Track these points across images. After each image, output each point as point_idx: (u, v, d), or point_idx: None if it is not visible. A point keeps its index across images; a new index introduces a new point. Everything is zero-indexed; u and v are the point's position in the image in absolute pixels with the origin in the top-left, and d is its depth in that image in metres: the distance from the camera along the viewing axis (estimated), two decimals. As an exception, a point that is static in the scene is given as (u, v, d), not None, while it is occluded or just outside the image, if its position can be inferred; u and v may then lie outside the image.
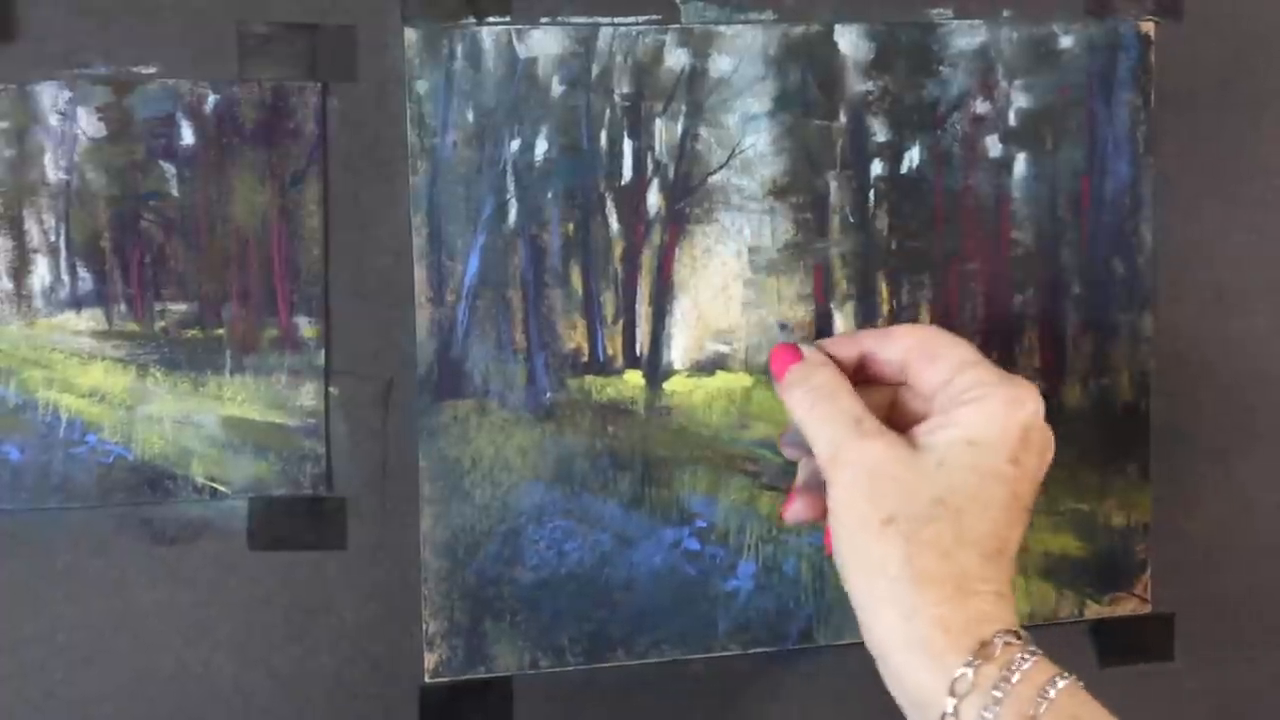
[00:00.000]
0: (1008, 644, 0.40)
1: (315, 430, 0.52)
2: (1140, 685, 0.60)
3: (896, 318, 0.55)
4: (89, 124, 0.49)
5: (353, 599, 0.52)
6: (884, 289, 0.55)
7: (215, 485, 0.51)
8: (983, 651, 0.40)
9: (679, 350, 0.54)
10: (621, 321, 0.54)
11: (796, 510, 0.48)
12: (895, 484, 0.42)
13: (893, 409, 0.47)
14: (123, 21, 0.49)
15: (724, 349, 0.54)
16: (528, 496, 0.53)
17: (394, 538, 0.52)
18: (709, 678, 0.55)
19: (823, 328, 0.55)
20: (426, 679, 0.53)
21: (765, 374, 0.54)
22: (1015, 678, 0.39)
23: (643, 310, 0.54)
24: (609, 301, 0.53)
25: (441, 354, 0.52)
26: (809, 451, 0.46)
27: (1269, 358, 0.60)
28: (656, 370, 0.54)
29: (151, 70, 0.50)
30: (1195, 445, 0.60)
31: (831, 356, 0.47)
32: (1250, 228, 0.60)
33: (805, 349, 0.47)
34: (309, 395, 0.51)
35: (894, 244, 0.55)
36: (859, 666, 0.56)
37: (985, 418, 0.43)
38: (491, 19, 0.52)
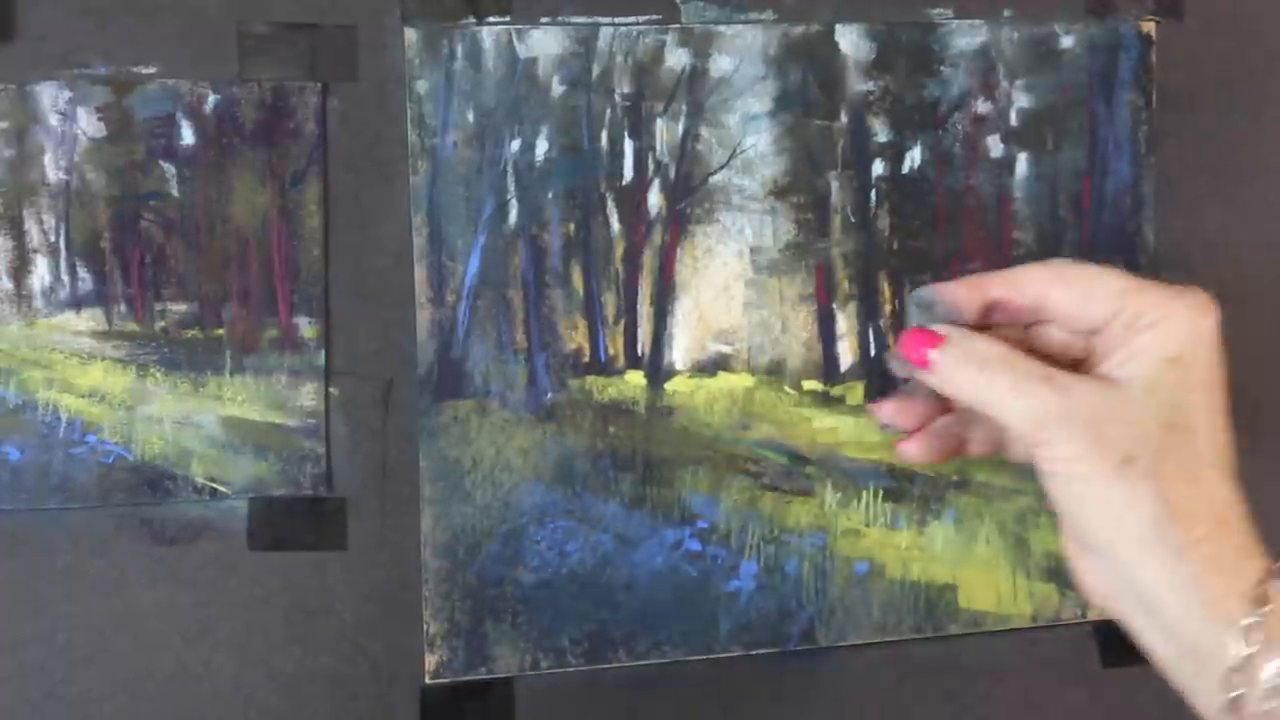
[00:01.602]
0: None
1: (315, 430, 0.51)
2: (1142, 686, 0.60)
3: (899, 318, 0.55)
4: (89, 124, 0.49)
5: (353, 599, 0.52)
6: (886, 289, 0.55)
7: (215, 485, 0.51)
8: (1262, 595, 0.38)
9: (680, 350, 0.54)
10: (623, 322, 0.53)
11: (889, 411, 0.46)
12: (1118, 424, 0.40)
13: (1030, 350, 0.44)
14: (122, 21, 0.49)
15: (725, 349, 0.54)
16: (529, 497, 0.53)
17: (394, 538, 0.52)
18: (710, 679, 0.55)
19: (825, 330, 0.55)
20: (427, 680, 0.53)
21: (767, 374, 0.54)
22: None
23: (644, 310, 0.54)
24: (610, 302, 0.53)
25: (442, 354, 0.52)
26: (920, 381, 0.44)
27: (1271, 357, 0.60)
28: (658, 370, 0.54)
29: (151, 70, 0.50)
30: (1197, 445, 0.59)
31: (957, 316, 0.44)
32: (1252, 227, 0.59)
33: (940, 329, 0.44)
34: (309, 395, 0.51)
35: (895, 244, 0.55)
36: (860, 668, 0.56)
37: (1178, 334, 0.41)
38: (492, 19, 0.52)
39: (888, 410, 0.47)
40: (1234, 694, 0.38)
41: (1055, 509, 0.42)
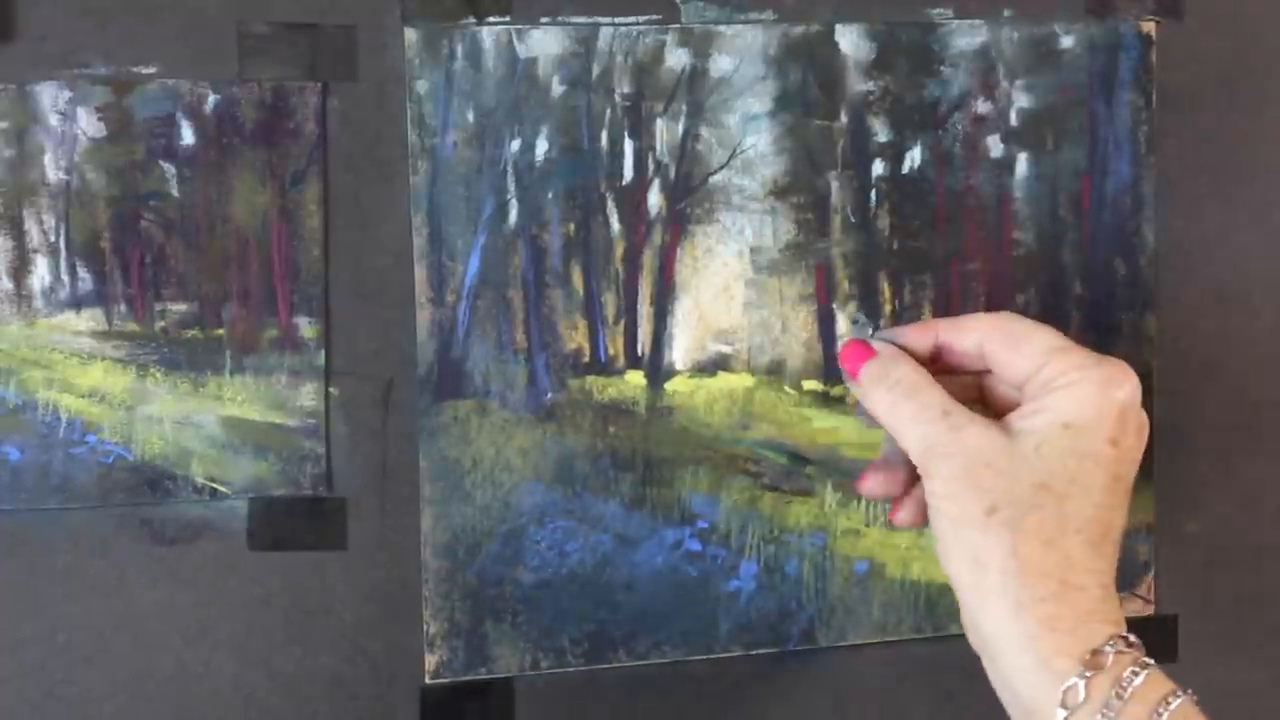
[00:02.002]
0: (1120, 653, 0.39)
1: (315, 430, 0.51)
2: (1143, 686, 0.60)
3: (898, 318, 0.55)
4: (89, 124, 0.49)
5: (353, 599, 0.52)
6: (886, 289, 0.55)
7: (215, 485, 0.51)
8: (1094, 661, 0.39)
9: (680, 350, 0.54)
10: (623, 322, 0.53)
11: (871, 485, 0.47)
12: (994, 472, 0.42)
13: (979, 398, 0.46)
14: (122, 21, 0.49)
15: (725, 349, 0.54)
16: (529, 497, 0.53)
17: (394, 538, 0.52)
18: (710, 679, 0.55)
19: (825, 330, 0.55)
20: (427, 680, 0.53)
21: (767, 374, 0.54)
22: (1128, 693, 0.39)
23: (644, 310, 0.54)
24: (610, 302, 0.53)
25: (442, 354, 0.52)
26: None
27: (1271, 358, 0.60)
28: (658, 371, 0.54)
29: (151, 70, 0.50)
30: (1198, 446, 0.59)
31: (904, 349, 0.46)
32: (1252, 227, 0.59)
33: (877, 344, 0.46)
34: (309, 395, 0.51)
35: (895, 244, 0.55)
36: (860, 668, 0.56)
37: (1081, 401, 0.42)
38: (492, 19, 0.52)
39: (869, 484, 0.48)
40: None
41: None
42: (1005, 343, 0.45)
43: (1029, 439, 0.42)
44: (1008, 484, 0.41)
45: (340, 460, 0.52)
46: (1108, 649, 0.39)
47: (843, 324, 0.55)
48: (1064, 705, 0.39)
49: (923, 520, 0.46)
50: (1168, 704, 0.39)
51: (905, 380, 0.44)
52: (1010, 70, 0.56)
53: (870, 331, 0.47)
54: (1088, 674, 0.39)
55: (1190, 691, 0.39)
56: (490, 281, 0.52)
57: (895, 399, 0.44)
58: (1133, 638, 0.40)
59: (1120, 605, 0.42)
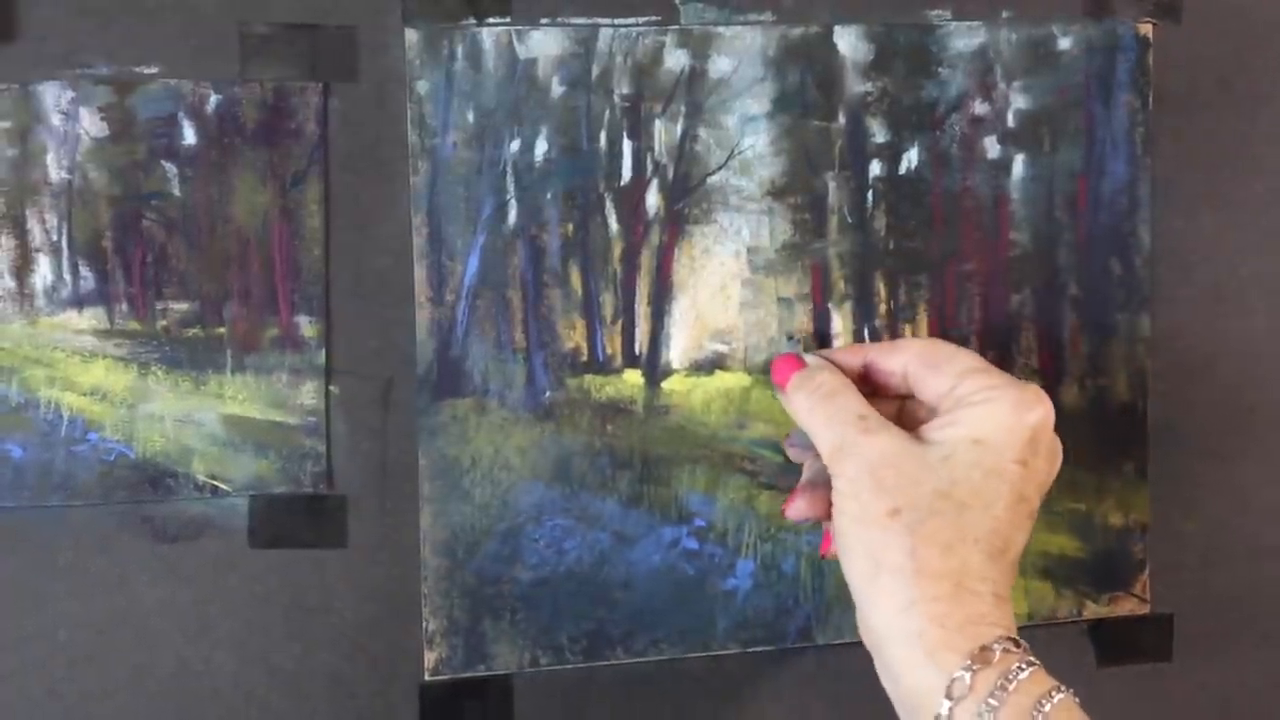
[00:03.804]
0: (1007, 651, 0.40)
1: (316, 429, 0.52)
2: (1138, 686, 0.60)
3: (894, 318, 0.56)
4: (91, 124, 0.50)
5: (353, 597, 0.52)
6: (882, 289, 0.56)
7: (216, 483, 0.51)
8: (981, 656, 0.40)
9: (678, 350, 0.54)
10: (620, 321, 0.54)
11: (799, 507, 0.48)
12: (900, 476, 0.43)
13: (898, 421, 0.47)
14: (124, 22, 0.49)
15: (722, 349, 0.55)
16: (527, 495, 0.53)
17: (394, 536, 0.53)
18: (708, 676, 0.56)
19: (822, 330, 0.55)
20: (426, 677, 0.53)
21: (764, 374, 0.55)
22: (1012, 686, 0.39)
23: (642, 310, 0.54)
24: (608, 301, 0.54)
25: (441, 353, 0.52)
26: (814, 453, 0.46)
27: (1267, 358, 0.60)
28: (655, 370, 0.54)
29: (153, 70, 0.50)
30: (1193, 445, 0.60)
31: (835, 365, 0.48)
32: (1248, 228, 0.60)
33: (807, 357, 0.48)
34: (309, 394, 0.52)
35: (892, 244, 0.56)
36: (857, 666, 0.56)
37: (992, 419, 0.43)
38: (492, 20, 0.52)
39: (794, 506, 0.48)
40: None
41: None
42: (927, 363, 0.46)
43: (938, 449, 0.43)
44: (911, 488, 0.42)
45: (340, 458, 0.52)
46: (995, 646, 0.40)
47: (839, 324, 0.55)
48: (949, 696, 0.40)
49: (820, 514, 0.47)
50: (1050, 698, 0.39)
51: (826, 385, 0.46)
52: (1008, 72, 0.56)
53: (800, 348, 0.49)
54: (974, 668, 0.40)
55: (1073, 690, 0.40)
56: (489, 281, 0.53)
57: (815, 401, 0.46)
58: (1022, 641, 0.41)
59: (1013, 615, 0.42)
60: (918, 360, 0.46)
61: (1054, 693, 0.39)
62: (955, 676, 0.40)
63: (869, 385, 0.48)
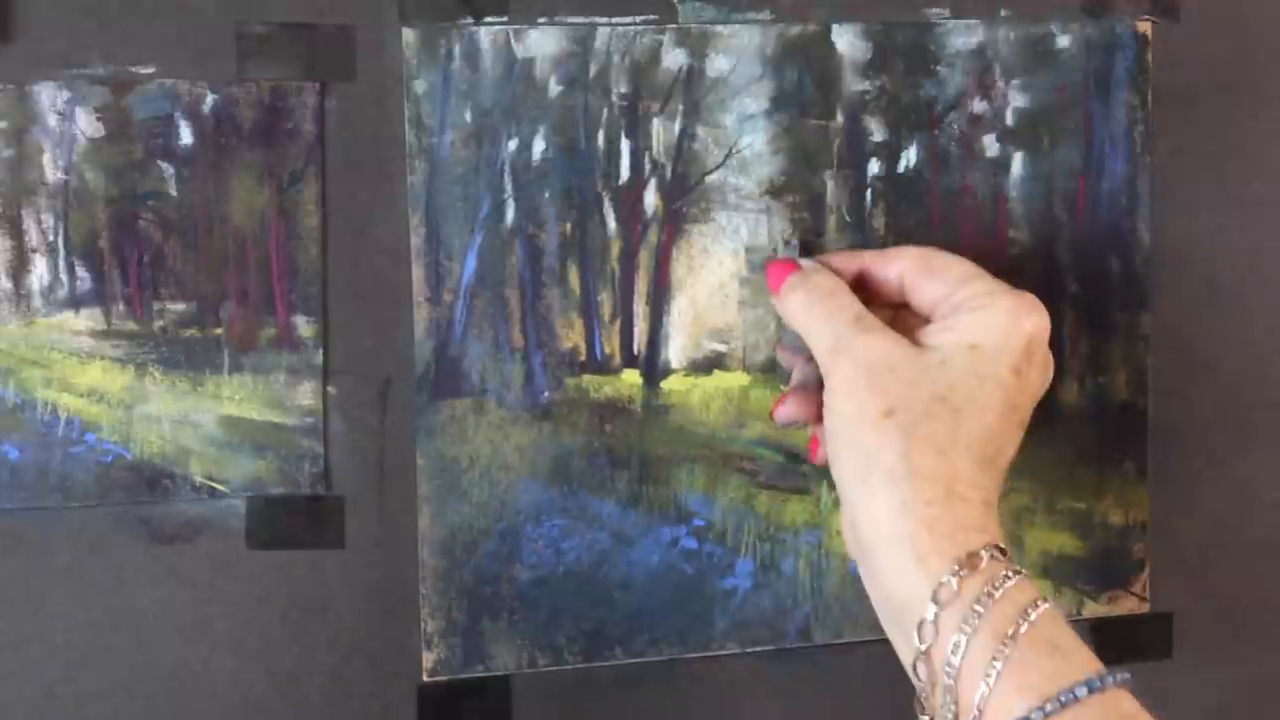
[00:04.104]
0: (994, 558, 0.40)
1: (313, 429, 0.52)
2: (1138, 684, 0.60)
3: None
4: (87, 124, 0.49)
5: (351, 598, 0.52)
6: (881, 288, 0.55)
7: (214, 484, 0.51)
8: (969, 562, 0.40)
9: (676, 349, 0.54)
10: (619, 320, 0.54)
11: (789, 409, 0.48)
12: (896, 377, 0.42)
13: (893, 327, 0.46)
14: (121, 22, 0.49)
15: (721, 348, 0.54)
16: (525, 495, 0.53)
17: (392, 537, 0.52)
18: (707, 676, 0.56)
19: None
20: (424, 678, 0.53)
21: (763, 373, 0.54)
22: (999, 594, 0.39)
23: (640, 309, 0.54)
24: (606, 301, 0.53)
25: (439, 353, 0.52)
26: (805, 355, 0.46)
27: (1266, 356, 0.60)
28: (654, 369, 0.54)
29: (150, 70, 0.50)
30: (1193, 444, 0.60)
31: (831, 269, 0.47)
32: (1247, 226, 0.60)
33: (803, 261, 0.48)
34: (307, 394, 0.52)
35: (891, 243, 0.55)
36: (857, 666, 0.56)
37: (989, 324, 0.43)
38: (489, 19, 0.52)
39: (784, 410, 0.48)
40: (923, 646, 0.40)
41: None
42: (923, 270, 0.46)
43: (934, 354, 0.43)
44: (907, 390, 0.42)
45: (338, 459, 0.52)
46: (983, 553, 0.40)
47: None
48: (935, 601, 0.39)
49: (809, 416, 0.47)
50: (1036, 606, 0.39)
51: (823, 285, 0.46)
52: (1006, 70, 0.56)
53: (797, 253, 0.48)
54: (962, 573, 0.40)
55: (1052, 604, 0.40)
56: (487, 281, 0.52)
57: (811, 301, 0.46)
58: (1008, 549, 0.41)
59: (1000, 523, 0.42)
60: (914, 267, 0.46)
61: (1039, 602, 0.40)
62: (942, 581, 0.40)
63: (864, 293, 0.47)
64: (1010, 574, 0.40)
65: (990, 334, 0.43)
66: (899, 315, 0.48)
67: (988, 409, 0.42)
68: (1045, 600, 0.40)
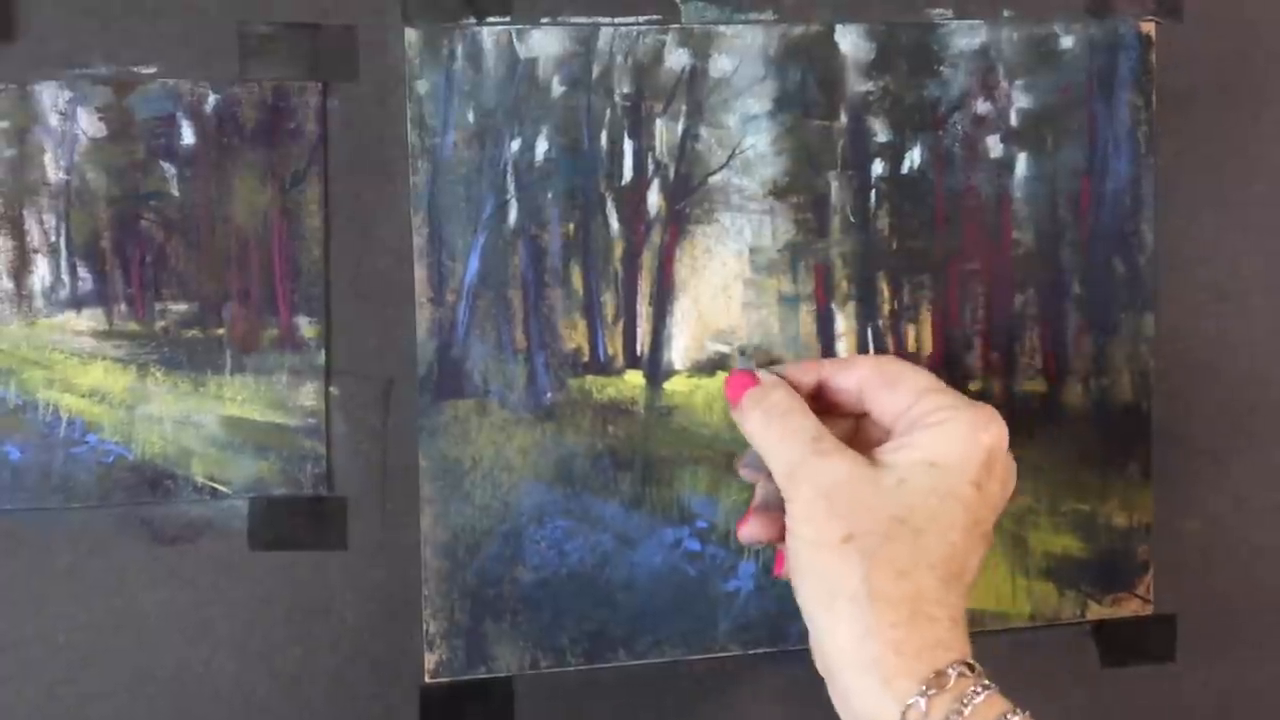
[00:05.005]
0: (962, 675, 0.40)
1: (316, 430, 0.52)
2: (1142, 687, 0.60)
3: (897, 318, 0.55)
4: (89, 124, 0.49)
5: (353, 599, 0.52)
6: (885, 289, 0.55)
7: (216, 485, 0.51)
8: (937, 681, 0.39)
9: (679, 350, 0.54)
10: (622, 321, 0.54)
11: (752, 530, 0.47)
12: (854, 501, 0.42)
13: (853, 440, 0.46)
14: (123, 22, 0.49)
15: (724, 349, 0.54)
16: (528, 496, 0.53)
17: (394, 538, 0.52)
18: (709, 678, 0.55)
19: (825, 330, 0.55)
20: (427, 679, 0.53)
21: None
22: (968, 710, 0.39)
23: (643, 310, 0.54)
24: (609, 301, 0.53)
25: (442, 354, 0.52)
26: (766, 473, 0.46)
27: (1270, 358, 0.60)
28: (657, 370, 0.54)
29: (152, 70, 0.50)
30: (1197, 445, 0.59)
31: (788, 383, 0.47)
32: (1251, 227, 0.60)
33: (761, 374, 0.47)
34: (309, 395, 0.51)
35: (895, 244, 0.55)
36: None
37: (948, 440, 0.43)
38: (492, 19, 0.52)
39: (747, 529, 0.48)
40: None
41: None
42: (882, 381, 0.46)
43: (893, 472, 0.43)
44: (866, 513, 0.42)
45: (340, 460, 0.52)
46: (950, 671, 0.40)
47: (842, 324, 0.55)
48: None
49: (772, 536, 0.47)
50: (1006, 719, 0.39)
51: (780, 404, 0.45)
52: (1010, 70, 0.56)
53: (754, 365, 0.48)
54: (930, 693, 0.39)
55: (1029, 713, 0.40)
56: (490, 281, 0.52)
57: (769, 420, 0.45)
58: (977, 665, 0.41)
59: (969, 639, 0.42)
60: (872, 378, 0.46)
61: (1010, 715, 0.39)
62: (910, 702, 0.39)
63: (823, 402, 0.47)
64: (979, 689, 0.39)
65: (949, 450, 0.43)
66: (860, 425, 0.48)
67: (950, 527, 0.42)
68: (1017, 712, 0.39)
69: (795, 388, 0.47)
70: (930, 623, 0.41)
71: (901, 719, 0.39)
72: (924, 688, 0.39)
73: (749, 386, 0.47)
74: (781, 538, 0.46)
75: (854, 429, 0.48)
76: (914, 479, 0.42)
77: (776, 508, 0.46)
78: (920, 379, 0.45)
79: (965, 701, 0.39)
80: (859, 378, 0.47)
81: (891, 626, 0.40)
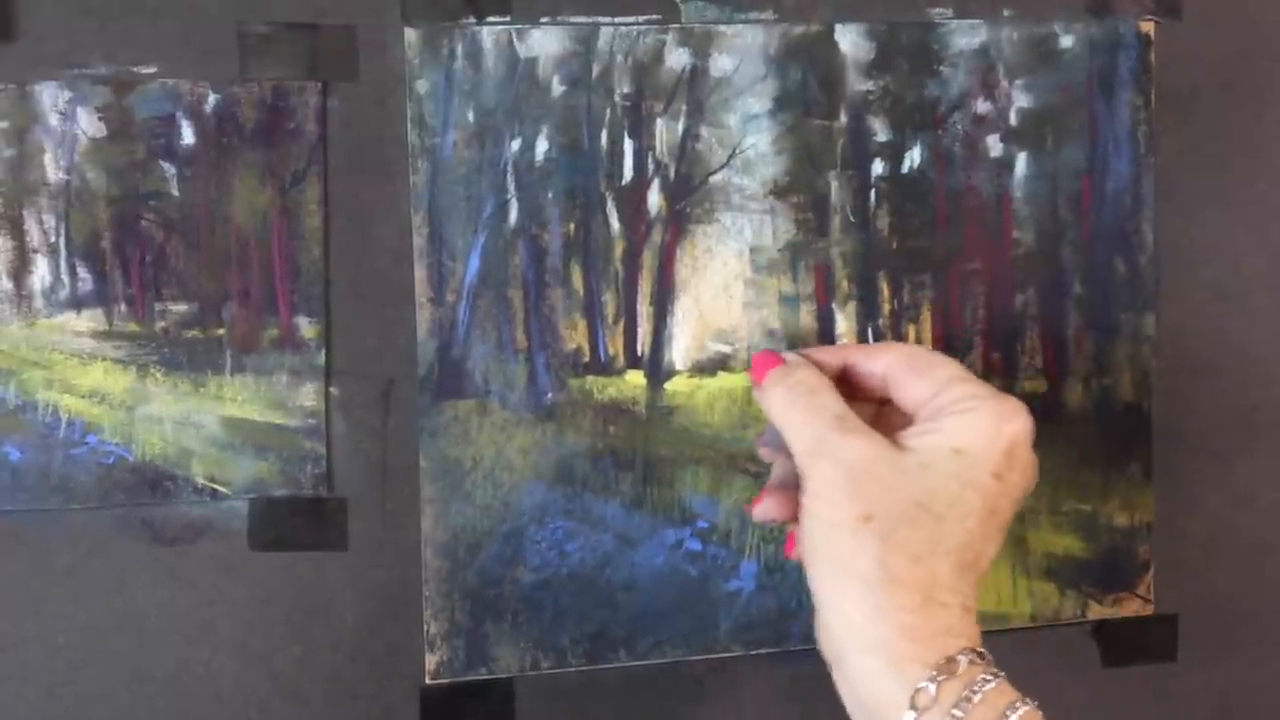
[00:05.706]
0: (972, 662, 0.40)
1: (316, 430, 0.51)
2: (1143, 686, 0.60)
3: (898, 318, 0.55)
4: (89, 124, 0.49)
5: (353, 600, 0.52)
6: (885, 289, 0.55)
7: (216, 486, 0.51)
8: (947, 667, 0.39)
9: (680, 350, 0.54)
10: (622, 321, 0.53)
11: (767, 508, 0.47)
12: (876, 481, 0.42)
13: (874, 425, 0.46)
14: (123, 21, 0.49)
15: (725, 349, 0.54)
16: (529, 497, 0.53)
17: (395, 538, 0.52)
18: (710, 678, 0.55)
19: (825, 330, 0.55)
20: (427, 680, 0.53)
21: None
22: (977, 698, 0.39)
23: (644, 310, 0.54)
24: (610, 301, 0.53)
25: (442, 354, 0.52)
26: (785, 452, 0.46)
27: (1271, 357, 0.60)
28: (658, 370, 0.54)
29: (152, 70, 0.50)
30: (1198, 445, 0.59)
31: (814, 364, 0.47)
32: (1251, 226, 0.59)
33: (787, 354, 0.47)
34: (309, 395, 0.51)
35: (895, 244, 0.55)
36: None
37: (973, 428, 0.43)
38: (492, 19, 0.52)
39: (762, 507, 0.47)
40: None
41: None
42: (908, 368, 0.45)
43: (915, 456, 0.42)
44: (886, 494, 0.42)
45: (341, 460, 0.52)
46: (960, 658, 0.40)
47: (842, 324, 0.55)
48: (913, 707, 0.39)
49: (787, 516, 0.46)
50: (1015, 708, 0.39)
51: (805, 382, 0.45)
52: (1010, 70, 0.56)
53: (783, 347, 0.47)
54: (939, 678, 0.39)
55: (1036, 703, 0.40)
56: (490, 281, 0.52)
57: (793, 397, 0.45)
58: (986, 653, 0.41)
59: (978, 627, 0.42)
60: (899, 365, 0.46)
61: (1018, 704, 0.39)
62: (920, 687, 0.39)
63: (847, 387, 0.47)
64: (989, 677, 0.39)
65: (974, 438, 0.43)
66: (882, 412, 0.48)
67: (969, 515, 0.42)
68: (1025, 702, 0.39)
69: (820, 369, 0.46)
70: (942, 609, 0.41)
71: (910, 703, 0.39)
72: (934, 673, 0.39)
73: (773, 366, 0.46)
74: (795, 518, 0.46)
75: (875, 415, 0.47)
76: (937, 464, 0.42)
77: (793, 487, 0.46)
78: (950, 368, 0.45)
79: (975, 689, 0.39)
80: (886, 363, 0.46)
81: (903, 610, 0.40)
